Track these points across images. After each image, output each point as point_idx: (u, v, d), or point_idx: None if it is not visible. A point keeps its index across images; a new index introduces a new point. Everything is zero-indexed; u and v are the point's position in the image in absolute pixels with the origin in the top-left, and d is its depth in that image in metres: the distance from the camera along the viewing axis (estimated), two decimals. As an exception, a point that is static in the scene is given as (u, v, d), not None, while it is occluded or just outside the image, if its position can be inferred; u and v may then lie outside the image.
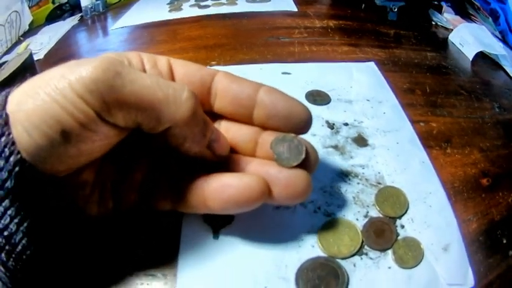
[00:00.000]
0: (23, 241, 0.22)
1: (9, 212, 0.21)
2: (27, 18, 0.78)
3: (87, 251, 0.28)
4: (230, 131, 0.29)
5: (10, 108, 0.22)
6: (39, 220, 0.23)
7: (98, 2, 0.81)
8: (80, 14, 0.81)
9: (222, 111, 0.29)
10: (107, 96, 0.22)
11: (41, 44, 0.70)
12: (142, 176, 0.29)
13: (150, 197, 0.28)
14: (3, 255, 0.21)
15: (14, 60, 0.54)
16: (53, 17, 0.83)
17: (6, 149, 0.21)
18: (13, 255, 0.22)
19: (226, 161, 0.29)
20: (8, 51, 0.71)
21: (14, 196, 0.21)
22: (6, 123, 0.21)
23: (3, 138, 0.21)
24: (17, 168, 0.21)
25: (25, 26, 0.78)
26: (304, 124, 0.29)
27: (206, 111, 0.28)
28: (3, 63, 0.57)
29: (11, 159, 0.21)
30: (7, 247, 0.21)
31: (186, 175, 0.28)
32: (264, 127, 0.29)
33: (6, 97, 0.22)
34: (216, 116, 0.30)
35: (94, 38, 0.74)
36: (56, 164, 0.23)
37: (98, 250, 0.28)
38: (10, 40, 0.73)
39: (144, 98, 0.23)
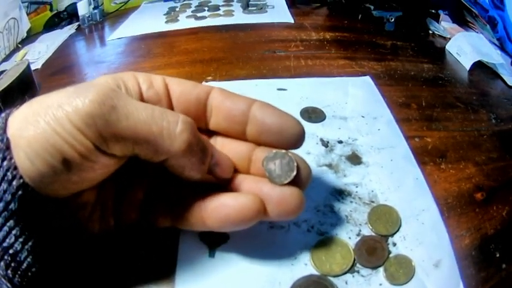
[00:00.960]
0: (28, 259, 0.23)
1: (14, 231, 0.22)
2: (25, 25, 0.79)
3: (88, 267, 0.28)
4: (225, 148, 0.30)
5: (11, 132, 0.22)
6: (43, 238, 0.24)
7: (95, 11, 0.83)
8: (77, 23, 0.82)
9: (217, 127, 0.30)
10: (103, 131, 0.22)
11: (39, 52, 0.71)
12: (143, 194, 0.29)
13: (150, 214, 0.29)
14: (9, 271, 0.22)
15: (11, 71, 0.55)
16: (51, 24, 0.85)
17: (9, 173, 0.22)
18: (19, 272, 0.23)
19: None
20: (6, 59, 0.72)
21: (18, 217, 0.22)
22: (8, 147, 0.22)
23: (5, 162, 0.22)
24: (20, 192, 0.22)
25: (23, 33, 0.79)
26: (296, 139, 0.28)
27: (202, 129, 0.30)
28: (1, 72, 0.58)
29: (14, 183, 0.22)
30: (13, 264, 0.22)
31: (185, 194, 0.28)
32: (257, 143, 0.29)
33: (6, 119, 0.23)
34: (212, 133, 0.30)
35: (91, 48, 0.75)
36: (58, 189, 0.23)
37: (98, 266, 0.29)
38: (8, 47, 0.74)
39: (139, 132, 0.23)
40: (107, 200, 0.28)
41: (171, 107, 0.29)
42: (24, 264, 0.23)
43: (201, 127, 0.30)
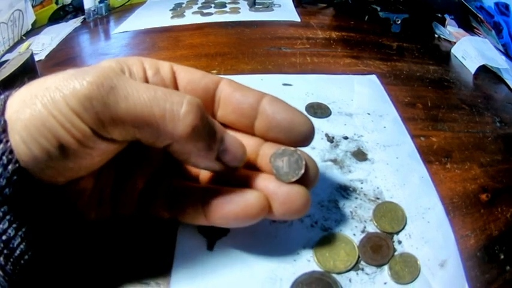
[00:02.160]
0: (21, 246, 0.22)
1: (7, 217, 0.21)
2: (30, 17, 0.79)
3: (84, 257, 0.28)
4: None
5: (8, 114, 0.21)
6: (38, 225, 0.23)
7: (101, 5, 0.83)
8: (82, 16, 0.82)
9: (225, 120, 0.29)
10: (101, 113, 0.21)
11: (43, 44, 0.71)
12: (144, 183, 0.29)
13: (149, 205, 0.28)
14: (1, 258, 0.22)
15: (14, 60, 0.54)
16: (56, 17, 0.84)
17: (4, 157, 0.21)
18: (11, 259, 0.22)
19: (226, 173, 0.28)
20: (10, 50, 0.72)
21: (12, 202, 0.21)
22: (4, 130, 0.21)
23: (0, 145, 0.21)
24: (15, 177, 0.21)
25: (28, 25, 0.78)
26: (305, 137, 0.28)
27: None
28: (5, 61, 0.57)
29: (9, 167, 0.21)
30: (5, 251, 0.22)
31: (188, 185, 0.28)
32: (265, 138, 0.28)
33: (5, 102, 0.22)
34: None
35: (96, 41, 0.75)
36: (55, 175, 0.23)
37: (93, 256, 0.28)
38: (12, 39, 0.74)
39: (139, 115, 0.22)
40: (105, 187, 0.28)
41: None
42: (17, 251, 0.22)
43: None
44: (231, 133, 0.27)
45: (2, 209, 0.21)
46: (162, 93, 0.23)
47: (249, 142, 0.28)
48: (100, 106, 0.21)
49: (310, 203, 0.26)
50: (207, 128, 0.24)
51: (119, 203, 0.28)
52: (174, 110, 0.23)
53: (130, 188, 0.28)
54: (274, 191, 0.26)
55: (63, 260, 0.26)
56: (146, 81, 0.27)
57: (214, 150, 0.25)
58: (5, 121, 0.21)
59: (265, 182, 0.27)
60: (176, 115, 0.23)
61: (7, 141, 0.21)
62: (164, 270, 0.29)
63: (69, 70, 0.23)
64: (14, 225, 0.22)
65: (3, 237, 0.21)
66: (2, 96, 0.23)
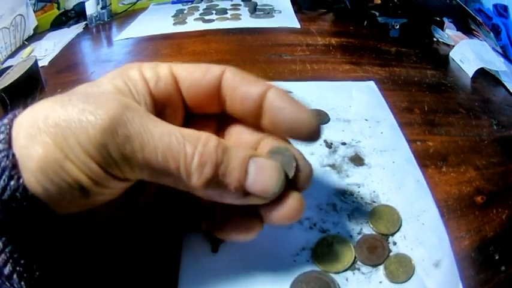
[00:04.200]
0: (37, 272, 0.22)
1: (15, 256, 0.21)
2: (32, 22, 0.80)
3: (91, 264, 0.27)
4: (233, 137, 0.29)
5: (17, 148, 0.20)
6: (55, 251, 0.23)
7: (103, 11, 0.83)
8: (84, 22, 0.82)
9: (233, 113, 0.28)
10: (118, 160, 0.21)
11: (46, 50, 0.71)
12: (155, 188, 0.28)
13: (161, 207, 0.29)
14: (23, 283, 0.21)
15: (18, 66, 0.55)
16: (58, 23, 0.85)
17: (18, 194, 0.20)
18: (32, 282, 0.22)
19: None
20: (12, 55, 0.72)
21: (21, 239, 0.21)
22: (15, 165, 0.20)
23: (12, 182, 0.20)
24: (29, 212, 0.21)
25: (30, 30, 0.79)
26: (311, 134, 0.27)
27: (218, 114, 0.28)
28: (8, 67, 0.58)
29: (24, 203, 0.20)
30: (25, 275, 0.21)
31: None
32: (272, 132, 0.28)
33: (10, 128, 0.21)
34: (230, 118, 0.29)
35: (98, 47, 0.75)
36: (71, 208, 0.22)
37: (100, 263, 0.28)
38: (14, 44, 0.74)
39: (155, 166, 0.22)
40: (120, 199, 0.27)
41: (181, 99, 0.27)
42: (37, 273, 0.22)
43: (217, 112, 0.28)
44: (239, 127, 0.28)
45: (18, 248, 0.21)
46: (177, 141, 0.22)
47: (249, 138, 0.29)
48: (116, 154, 0.21)
49: (304, 208, 0.26)
50: (222, 172, 0.23)
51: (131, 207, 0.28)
52: (187, 164, 0.22)
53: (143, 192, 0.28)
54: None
55: (76, 267, 0.26)
56: (150, 93, 0.26)
57: (238, 193, 0.24)
58: (13, 155, 0.20)
59: None
60: (189, 167, 0.22)
61: (19, 177, 0.20)
62: (171, 274, 0.30)
63: (75, 99, 0.22)
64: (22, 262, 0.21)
65: (22, 261, 0.21)
66: (6, 121, 0.22)
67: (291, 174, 0.25)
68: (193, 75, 0.27)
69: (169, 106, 0.27)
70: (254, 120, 0.27)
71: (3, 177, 0.20)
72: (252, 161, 0.24)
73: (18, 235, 0.21)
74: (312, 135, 0.27)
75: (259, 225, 0.27)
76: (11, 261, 0.21)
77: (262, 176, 0.24)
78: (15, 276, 0.21)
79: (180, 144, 0.22)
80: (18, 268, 0.21)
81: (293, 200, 0.25)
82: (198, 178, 0.22)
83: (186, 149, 0.22)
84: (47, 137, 0.20)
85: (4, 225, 0.21)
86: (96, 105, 0.21)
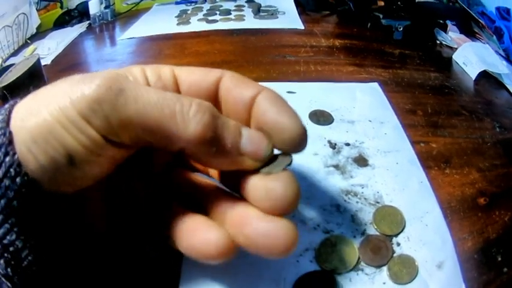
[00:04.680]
0: (29, 257, 0.22)
1: (15, 229, 0.21)
2: (35, 21, 0.80)
3: (91, 267, 0.27)
4: None
5: (14, 124, 0.21)
6: (46, 236, 0.23)
7: (107, 10, 0.83)
8: (88, 22, 0.83)
9: (227, 116, 0.25)
10: (111, 116, 0.21)
11: (49, 49, 0.72)
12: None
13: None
14: (9, 270, 0.21)
15: (20, 64, 0.55)
16: (61, 22, 0.85)
17: (12, 170, 0.20)
18: (18, 270, 0.22)
19: (209, 199, 0.27)
20: (14, 53, 0.73)
21: (20, 214, 0.21)
22: (11, 141, 0.21)
23: (7, 158, 0.20)
24: (23, 189, 0.21)
25: (32, 29, 0.79)
26: (294, 144, 0.25)
27: None
28: (10, 65, 0.58)
29: (17, 180, 0.20)
30: (13, 262, 0.21)
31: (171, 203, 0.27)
32: None
33: (10, 111, 0.22)
34: None
35: (102, 47, 0.75)
36: (62, 186, 0.22)
37: (100, 267, 0.27)
38: (17, 42, 0.75)
39: (150, 116, 0.21)
40: (114, 197, 0.27)
41: None
42: (25, 262, 0.22)
43: None
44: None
45: (10, 221, 0.21)
46: (172, 95, 0.22)
47: None
48: (110, 109, 0.21)
49: (296, 241, 0.23)
50: (220, 125, 0.23)
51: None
52: (183, 111, 0.22)
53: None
54: (255, 228, 0.23)
55: (71, 271, 0.25)
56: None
57: (232, 151, 0.23)
58: (10, 132, 0.21)
59: (244, 216, 0.24)
60: (186, 115, 0.22)
61: (14, 153, 0.20)
62: (173, 274, 0.30)
63: (76, 76, 0.22)
64: (22, 237, 0.21)
65: (11, 249, 0.21)
66: (7, 106, 0.22)
67: (283, 166, 0.24)
68: (192, 77, 0.27)
69: None
70: (245, 124, 0.26)
71: None
72: (243, 127, 0.24)
73: (9, 217, 0.21)
74: (296, 145, 0.25)
75: None
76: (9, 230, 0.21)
77: (254, 138, 0.24)
78: (1, 261, 0.21)
79: (175, 96, 0.22)
80: (6, 255, 0.21)
81: (283, 230, 0.23)
82: (197, 124, 0.22)
83: (183, 99, 0.22)
84: (43, 106, 0.21)
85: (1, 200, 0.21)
86: (92, 75, 0.22)
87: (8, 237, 0.21)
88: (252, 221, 0.23)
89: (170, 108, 0.22)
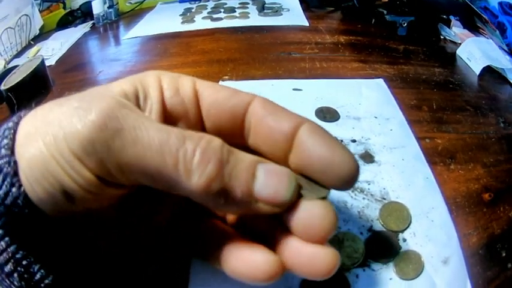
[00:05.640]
0: (41, 270, 0.21)
1: (30, 258, 0.21)
2: (38, 22, 0.80)
3: (101, 272, 0.26)
4: None
5: (17, 150, 0.20)
6: (54, 254, 0.22)
7: (110, 10, 0.83)
8: (91, 22, 0.83)
9: (256, 148, 0.24)
10: (106, 160, 0.19)
11: (52, 49, 0.72)
12: (166, 220, 0.27)
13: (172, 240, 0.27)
14: (22, 283, 0.21)
15: (24, 66, 0.55)
16: (64, 22, 0.85)
17: (19, 201, 0.20)
18: (32, 283, 0.21)
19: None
20: (17, 55, 0.73)
21: (28, 242, 0.21)
22: (16, 172, 0.20)
23: (13, 189, 0.20)
24: (31, 219, 0.21)
25: (35, 30, 0.80)
26: (345, 182, 0.22)
27: (239, 146, 0.23)
28: (14, 67, 0.58)
29: (26, 210, 0.20)
30: (26, 275, 0.21)
31: (210, 225, 0.26)
32: (298, 172, 0.23)
33: (15, 132, 0.21)
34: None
35: (106, 46, 0.76)
36: (61, 214, 0.21)
37: (110, 272, 0.26)
38: (20, 43, 0.75)
39: (150, 163, 0.19)
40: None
41: (200, 119, 0.25)
42: (37, 276, 0.21)
43: (237, 144, 0.23)
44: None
45: (21, 252, 0.21)
46: (176, 138, 0.20)
47: None
48: (104, 151, 0.19)
49: (337, 265, 0.22)
50: (227, 174, 0.20)
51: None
52: (186, 159, 0.19)
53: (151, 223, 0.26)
54: (298, 251, 0.22)
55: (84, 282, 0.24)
56: (163, 103, 0.24)
57: (244, 199, 0.20)
58: (15, 162, 0.20)
59: (287, 240, 0.23)
60: (189, 164, 0.19)
61: (20, 185, 0.20)
62: (183, 270, 0.30)
63: (74, 99, 0.21)
64: (35, 263, 0.21)
65: (24, 262, 0.21)
66: (11, 123, 0.21)
67: (323, 194, 0.22)
68: (217, 94, 0.24)
69: (183, 121, 0.25)
70: (279, 159, 0.24)
71: (5, 183, 0.20)
72: (261, 166, 0.21)
73: (20, 237, 0.21)
74: (347, 183, 0.23)
75: None
76: (12, 260, 0.20)
77: (272, 180, 0.21)
78: (15, 275, 0.21)
79: (179, 140, 0.19)
80: (19, 268, 0.21)
81: (325, 256, 0.22)
82: (200, 176, 0.19)
83: (187, 144, 0.19)
84: (39, 136, 0.20)
85: (7, 226, 0.20)
86: (90, 102, 0.20)
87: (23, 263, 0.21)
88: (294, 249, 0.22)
89: (172, 155, 0.19)
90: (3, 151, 0.20)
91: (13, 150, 0.20)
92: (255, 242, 0.23)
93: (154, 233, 0.26)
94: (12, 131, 0.21)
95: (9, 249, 0.20)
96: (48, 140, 0.19)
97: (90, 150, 0.19)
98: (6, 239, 0.20)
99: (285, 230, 0.22)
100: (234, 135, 0.24)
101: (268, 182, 0.21)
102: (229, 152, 0.20)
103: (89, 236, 0.24)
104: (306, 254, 0.22)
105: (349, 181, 0.22)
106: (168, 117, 0.24)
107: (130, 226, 0.25)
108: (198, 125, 0.25)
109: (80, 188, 0.20)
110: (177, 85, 0.24)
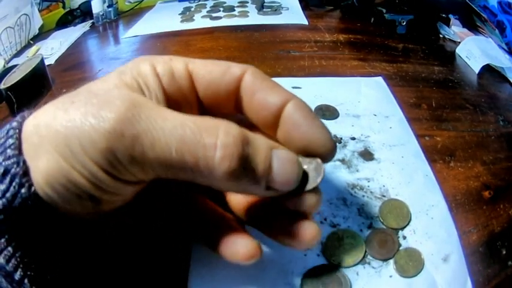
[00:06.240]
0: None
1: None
2: (37, 21, 0.80)
3: (100, 265, 0.26)
4: None
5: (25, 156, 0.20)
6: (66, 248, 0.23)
7: (110, 9, 0.83)
8: (91, 21, 0.83)
9: (249, 118, 0.26)
10: (128, 165, 0.20)
11: (52, 49, 0.72)
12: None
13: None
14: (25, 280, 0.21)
15: (24, 65, 0.55)
16: (64, 22, 0.85)
17: (29, 202, 0.20)
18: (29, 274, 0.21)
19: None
20: (17, 54, 0.73)
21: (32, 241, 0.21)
22: (26, 173, 0.20)
23: (23, 190, 0.20)
24: (43, 220, 0.21)
25: (35, 30, 0.79)
26: (324, 156, 0.25)
27: (236, 117, 0.26)
28: (13, 66, 0.58)
29: (36, 211, 0.20)
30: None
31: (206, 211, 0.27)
32: (283, 145, 0.25)
33: (20, 131, 0.21)
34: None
35: (106, 45, 0.75)
36: (81, 215, 0.22)
37: (109, 262, 0.27)
38: (20, 43, 0.75)
39: (169, 163, 0.20)
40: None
41: (196, 98, 0.26)
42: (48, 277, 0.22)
43: (234, 114, 0.26)
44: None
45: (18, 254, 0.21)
46: (193, 133, 0.20)
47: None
48: (125, 158, 0.19)
49: (320, 235, 0.25)
50: (249, 167, 0.21)
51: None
52: (207, 157, 0.20)
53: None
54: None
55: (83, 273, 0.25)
56: (163, 90, 0.24)
57: (260, 184, 0.22)
58: (24, 161, 0.20)
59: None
60: (210, 163, 0.20)
61: (30, 185, 0.20)
62: (182, 269, 0.30)
63: (78, 98, 0.21)
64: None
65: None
66: (15, 123, 0.21)
67: (319, 180, 0.24)
68: (211, 75, 0.25)
69: (183, 104, 0.25)
70: (269, 129, 0.26)
71: (13, 184, 0.20)
72: (274, 154, 0.22)
73: (28, 240, 0.21)
74: (325, 156, 0.25)
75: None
76: (21, 265, 0.20)
77: (285, 170, 0.22)
78: (26, 281, 0.21)
79: (196, 135, 0.20)
80: (29, 272, 0.21)
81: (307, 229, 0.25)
82: (224, 172, 0.20)
83: (205, 140, 0.20)
84: (50, 146, 0.19)
85: (14, 230, 0.20)
86: (99, 106, 0.20)
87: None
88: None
89: (192, 153, 0.20)
90: (9, 151, 0.20)
91: (20, 150, 0.20)
92: (240, 228, 0.26)
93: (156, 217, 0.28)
94: (17, 131, 0.21)
95: (17, 254, 0.20)
96: (63, 151, 0.19)
97: (112, 159, 0.19)
98: (13, 244, 0.20)
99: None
100: (229, 106, 0.26)
101: (281, 172, 0.22)
102: (247, 142, 0.21)
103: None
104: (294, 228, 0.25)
105: (327, 157, 0.25)
106: (170, 102, 0.25)
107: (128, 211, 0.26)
108: (196, 103, 0.26)
109: (98, 189, 0.20)
110: (171, 70, 0.25)
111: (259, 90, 0.25)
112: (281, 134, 0.25)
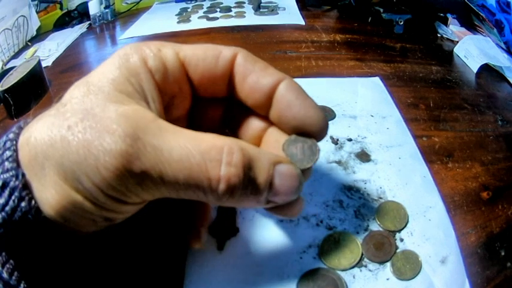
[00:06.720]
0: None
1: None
2: (35, 23, 0.80)
3: (97, 261, 0.26)
4: (240, 121, 0.28)
5: (25, 171, 0.20)
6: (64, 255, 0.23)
7: (107, 10, 0.83)
8: (88, 22, 0.83)
9: (241, 100, 0.26)
10: (136, 192, 0.20)
11: (49, 50, 0.72)
12: None
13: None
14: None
15: (21, 67, 0.55)
16: (61, 23, 0.85)
17: (30, 216, 0.20)
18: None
19: None
20: (15, 56, 0.73)
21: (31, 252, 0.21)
22: (26, 186, 0.20)
23: (23, 204, 0.20)
24: (43, 233, 0.21)
25: (32, 31, 0.79)
26: (317, 134, 0.26)
27: (227, 98, 0.27)
28: (11, 68, 0.58)
29: (37, 225, 0.20)
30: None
31: None
32: (278, 126, 0.27)
33: (17, 142, 0.21)
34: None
35: (103, 47, 0.75)
36: (89, 230, 0.22)
37: (107, 264, 0.27)
38: (17, 45, 0.75)
39: (178, 190, 0.21)
40: None
41: (189, 86, 0.26)
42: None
43: (226, 96, 0.27)
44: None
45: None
46: (197, 165, 0.20)
47: (257, 125, 0.28)
48: (135, 188, 0.20)
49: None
50: (251, 189, 0.22)
51: None
52: (212, 187, 0.21)
53: None
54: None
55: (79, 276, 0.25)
56: (158, 88, 0.24)
57: (260, 201, 0.23)
58: (23, 174, 0.20)
59: None
60: (214, 192, 0.21)
61: (30, 199, 0.20)
62: (177, 271, 0.30)
63: (77, 124, 0.20)
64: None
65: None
66: (12, 135, 0.21)
67: (315, 158, 0.25)
68: (205, 62, 0.25)
69: (177, 95, 0.26)
70: (262, 110, 0.26)
71: (13, 197, 0.19)
72: (276, 172, 0.23)
73: (29, 253, 0.21)
74: (318, 135, 0.26)
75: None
76: (24, 279, 0.21)
77: (286, 187, 0.23)
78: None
79: (201, 167, 0.20)
80: (31, 284, 0.21)
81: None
82: (226, 198, 0.22)
83: (210, 173, 0.21)
84: (58, 178, 0.19)
85: (15, 244, 0.20)
86: (99, 134, 0.19)
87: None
88: None
89: (197, 184, 0.21)
90: (7, 164, 0.20)
91: (18, 162, 0.20)
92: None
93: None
94: (15, 142, 0.21)
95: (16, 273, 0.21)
96: (73, 184, 0.19)
97: (123, 189, 0.20)
98: (11, 261, 0.20)
99: None
100: (222, 89, 0.27)
101: (282, 188, 0.23)
102: (249, 167, 0.22)
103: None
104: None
105: (320, 135, 0.26)
106: (165, 97, 0.25)
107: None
108: (189, 91, 0.27)
109: (117, 214, 0.22)
110: (163, 63, 0.25)
111: (252, 72, 0.25)
112: (274, 114, 0.26)
